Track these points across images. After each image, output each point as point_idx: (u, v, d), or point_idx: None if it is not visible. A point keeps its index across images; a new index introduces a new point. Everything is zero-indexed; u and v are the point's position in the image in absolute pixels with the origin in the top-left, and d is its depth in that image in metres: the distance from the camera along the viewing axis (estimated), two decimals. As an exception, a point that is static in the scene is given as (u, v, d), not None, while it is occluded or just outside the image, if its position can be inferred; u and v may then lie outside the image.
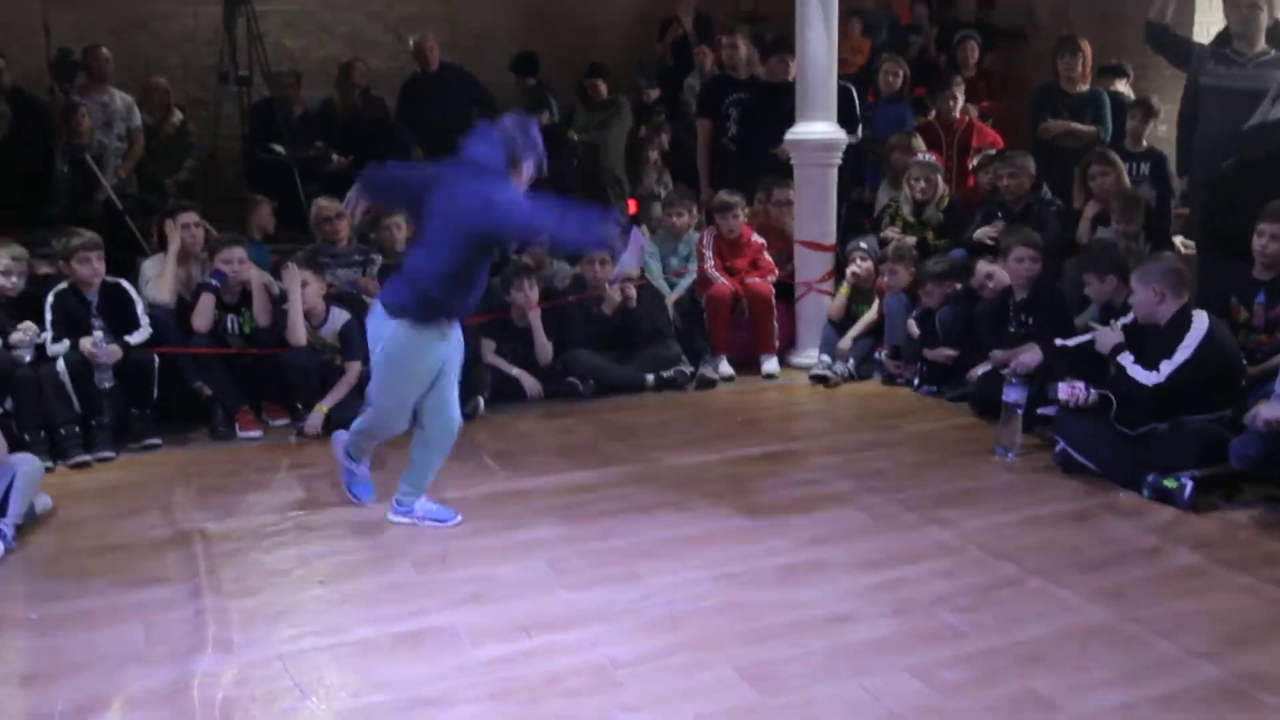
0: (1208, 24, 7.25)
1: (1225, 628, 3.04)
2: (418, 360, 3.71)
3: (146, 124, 7.35)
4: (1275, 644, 2.95)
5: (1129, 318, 4.48)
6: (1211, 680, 2.76)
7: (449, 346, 3.80)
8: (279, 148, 7.44)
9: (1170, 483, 3.96)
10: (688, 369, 5.97)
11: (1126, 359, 4.27)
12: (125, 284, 5.10)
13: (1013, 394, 4.63)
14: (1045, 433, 4.69)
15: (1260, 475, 4.02)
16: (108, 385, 4.81)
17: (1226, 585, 3.32)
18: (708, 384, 5.92)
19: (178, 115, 7.61)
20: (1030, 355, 4.79)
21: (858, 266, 6.15)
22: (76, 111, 6.64)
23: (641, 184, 7.81)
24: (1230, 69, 5.49)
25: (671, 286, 6.37)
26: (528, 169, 3.67)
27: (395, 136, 7.93)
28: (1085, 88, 6.76)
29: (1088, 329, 4.71)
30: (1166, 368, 4.13)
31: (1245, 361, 4.36)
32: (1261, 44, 5.48)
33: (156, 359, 5.00)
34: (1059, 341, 4.72)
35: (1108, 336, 4.45)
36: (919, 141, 6.82)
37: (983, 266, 5.52)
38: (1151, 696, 2.69)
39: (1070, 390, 4.33)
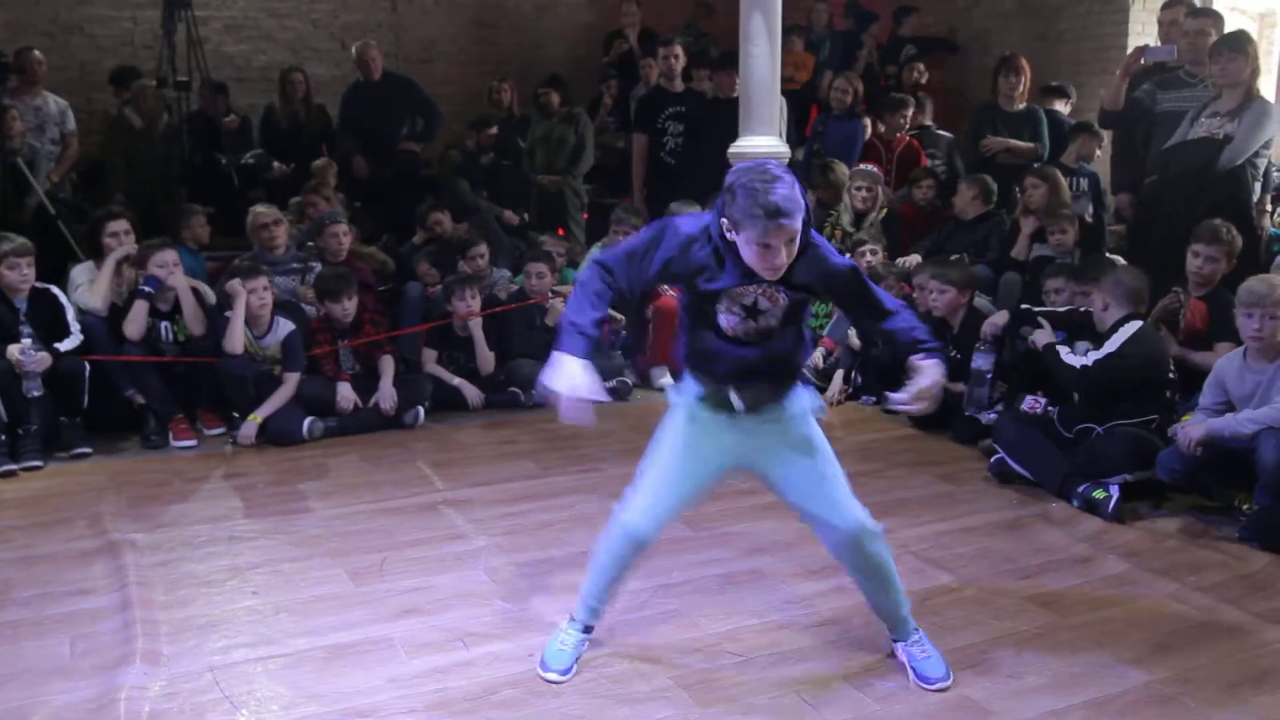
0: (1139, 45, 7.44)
1: (1153, 634, 3.10)
2: (676, 418, 2.82)
3: (137, 129, 7.22)
4: (1201, 649, 3.01)
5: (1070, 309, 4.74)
6: (1140, 685, 2.81)
7: (737, 434, 2.76)
8: (221, 156, 7.35)
9: (1099, 493, 4.04)
10: (630, 379, 5.99)
11: (1062, 349, 4.49)
12: (55, 290, 4.99)
13: (980, 360, 4.89)
14: (983, 444, 4.78)
15: (1186, 487, 4.13)
16: (36, 394, 4.69)
17: (1154, 593, 3.39)
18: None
19: (165, 119, 7.47)
20: (999, 317, 4.99)
21: None
22: (7, 114, 6.49)
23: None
24: (1182, 91, 5.64)
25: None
26: (743, 237, 2.49)
27: (337, 145, 7.87)
28: (1022, 106, 6.90)
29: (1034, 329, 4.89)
30: (1093, 356, 4.33)
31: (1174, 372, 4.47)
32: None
33: (87, 367, 4.90)
34: (1025, 305, 4.99)
35: (1041, 336, 4.66)
36: (841, 167, 6.91)
37: (921, 279, 5.56)
38: (1083, 702, 2.73)
39: (1033, 404, 4.60)
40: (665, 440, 2.80)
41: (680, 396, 2.81)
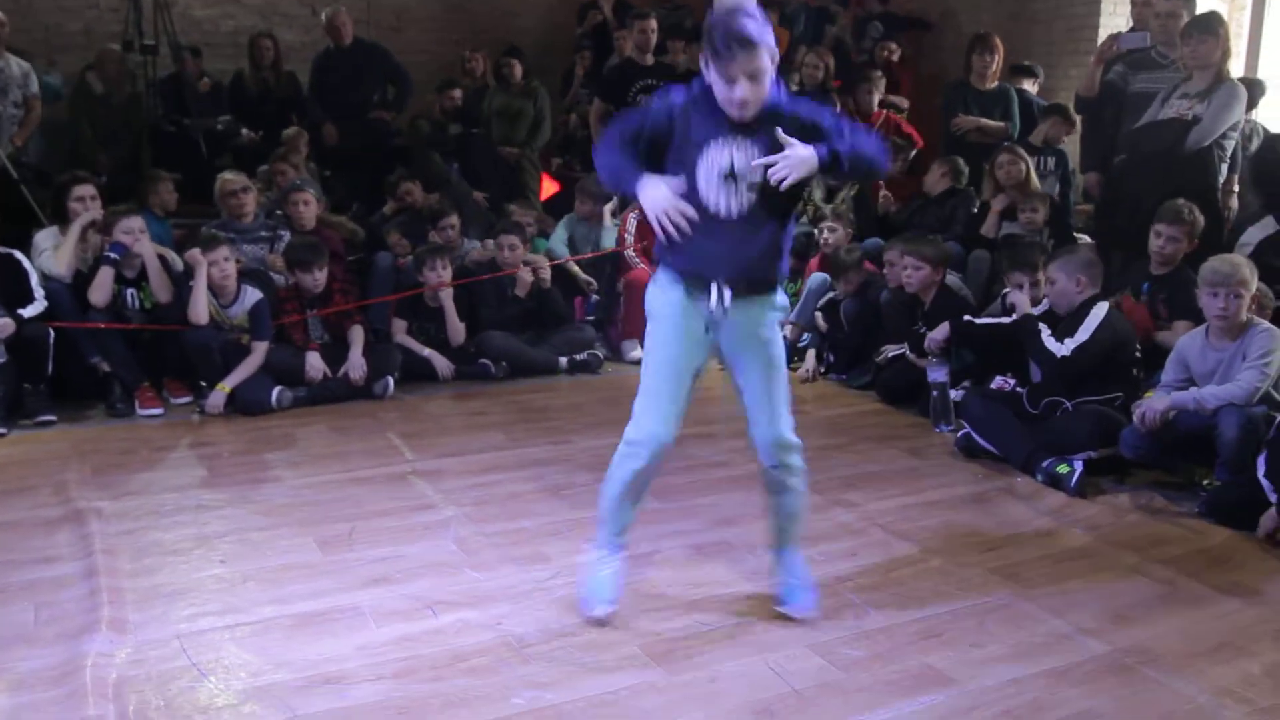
0: (1111, 26, 7.48)
1: (1112, 605, 3.15)
2: (661, 316, 2.86)
3: (99, 94, 7.10)
4: (1159, 621, 3.07)
5: (1042, 308, 4.67)
6: (1098, 655, 2.86)
7: (705, 319, 2.79)
8: (187, 120, 7.26)
9: (1063, 468, 4.10)
10: (601, 352, 5.99)
11: (1044, 329, 4.48)
12: (18, 255, 4.93)
13: (935, 374, 4.89)
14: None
15: (1149, 463, 4.19)
16: (-1, 360, 4.65)
17: (1115, 565, 3.45)
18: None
19: (131, 85, 7.35)
20: (939, 331, 4.99)
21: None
22: (-32, 76, 6.38)
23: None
24: (1154, 73, 5.67)
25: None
26: (714, 71, 2.67)
27: (307, 112, 7.79)
28: (994, 85, 6.92)
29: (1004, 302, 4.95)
30: (1071, 343, 4.34)
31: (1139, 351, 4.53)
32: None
33: (52, 333, 4.84)
34: (967, 318, 4.99)
35: (1020, 301, 4.70)
36: None
37: (892, 255, 5.58)
38: (1042, 671, 2.78)
39: (1002, 383, 4.72)
40: (652, 354, 2.87)
41: (659, 300, 2.85)
